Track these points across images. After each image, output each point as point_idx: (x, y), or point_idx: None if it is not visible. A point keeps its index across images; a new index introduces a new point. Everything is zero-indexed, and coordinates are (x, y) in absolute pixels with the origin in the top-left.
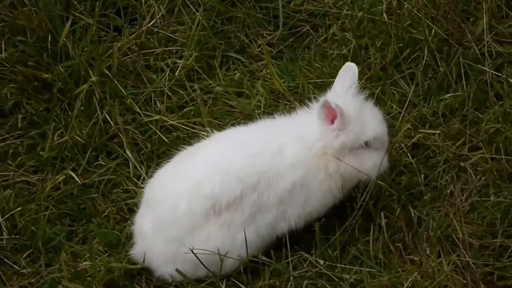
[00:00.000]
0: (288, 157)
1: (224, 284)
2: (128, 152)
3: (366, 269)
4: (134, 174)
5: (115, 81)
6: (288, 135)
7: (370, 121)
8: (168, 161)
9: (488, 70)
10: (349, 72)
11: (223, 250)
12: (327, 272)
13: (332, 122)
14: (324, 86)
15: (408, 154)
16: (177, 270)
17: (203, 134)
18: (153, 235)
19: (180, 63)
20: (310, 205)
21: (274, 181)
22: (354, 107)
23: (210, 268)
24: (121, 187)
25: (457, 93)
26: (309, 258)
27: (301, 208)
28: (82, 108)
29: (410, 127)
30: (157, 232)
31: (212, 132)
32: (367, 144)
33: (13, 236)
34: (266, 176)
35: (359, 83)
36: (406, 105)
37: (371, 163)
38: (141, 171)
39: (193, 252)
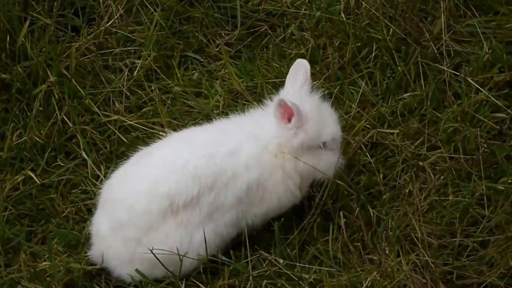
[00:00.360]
0: (244, 157)
1: (183, 284)
2: (84, 154)
3: (326, 269)
4: (92, 175)
5: (74, 82)
6: (243, 135)
7: (328, 121)
8: (125, 162)
9: (446, 69)
10: (301, 69)
11: (181, 250)
12: (287, 272)
13: (289, 120)
14: (282, 85)
15: (367, 153)
16: (136, 270)
17: (161, 134)
18: (110, 235)
19: (138, 63)
20: (266, 205)
21: (231, 181)
22: (311, 105)
23: (168, 268)
24: (80, 188)
25: (415, 93)
26: (268, 258)
27: (258, 208)
28: (41, 108)
29: (368, 126)
30: (114, 233)
31: (169, 132)
32: (324, 145)
33: None
34: (223, 176)
35: (317, 83)
36: (364, 104)
37: (327, 162)
38: (99, 172)
39: (152, 252)
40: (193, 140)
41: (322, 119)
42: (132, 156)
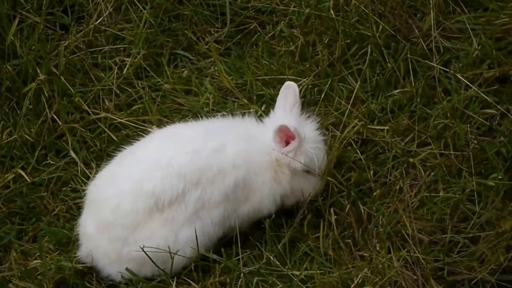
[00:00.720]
0: (231, 155)
1: (174, 282)
2: (72, 153)
3: (317, 266)
4: (82, 173)
5: (63, 80)
6: (230, 133)
7: (319, 150)
8: (109, 162)
9: (436, 65)
10: (290, 92)
11: (166, 247)
12: (278, 269)
13: (286, 143)
14: (272, 82)
15: (357, 150)
16: (126, 269)
17: (151, 132)
18: (97, 235)
19: (128, 61)
20: (249, 205)
21: (217, 177)
22: (310, 129)
23: (155, 266)
24: (70, 186)
25: (405, 89)
26: (259, 255)
27: (242, 207)
28: (31, 106)
29: (358, 123)
30: (101, 232)
31: (153, 129)
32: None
33: None
34: (208, 172)
35: (307, 79)
36: (354, 101)
37: (312, 186)
38: (86, 171)
39: (142, 250)
40: (178, 137)
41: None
42: (116, 155)
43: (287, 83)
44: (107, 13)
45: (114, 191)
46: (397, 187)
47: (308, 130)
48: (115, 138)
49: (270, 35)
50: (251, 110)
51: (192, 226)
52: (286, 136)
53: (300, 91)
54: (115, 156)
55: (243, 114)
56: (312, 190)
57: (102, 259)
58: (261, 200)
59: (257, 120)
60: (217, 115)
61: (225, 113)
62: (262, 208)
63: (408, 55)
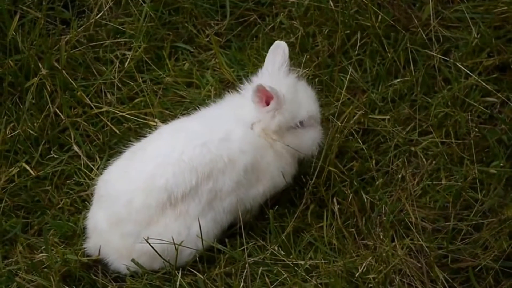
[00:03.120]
0: (237, 142)
1: (180, 273)
2: (75, 147)
3: (321, 255)
4: (86, 166)
5: (65, 74)
6: (232, 119)
7: (304, 100)
8: (119, 155)
9: (436, 54)
10: (279, 51)
11: (179, 241)
12: (282, 258)
13: (267, 104)
14: None
15: (359, 140)
16: (133, 260)
17: (153, 125)
18: (108, 231)
19: (129, 54)
20: (261, 185)
21: (228, 166)
22: (288, 87)
23: (167, 260)
24: (73, 179)
25: (405, 78)
26: (264, 245)
27: (255, 189)
28: (33, 101)
29: (359, 112)
30: (112, 228)
31: (159, 123)
32: (302, 124)
33: None
34: (219, 163)
35: (308, 70)
36: (355, 91)
37: (309, 139)
38: (90, 164)
39: (149, 244)
40: (185, 131)
41: (296, 99)
42: (126, 147)
43: (277, 42)
44: (107, 7)
45: (126, 186)
46: (400, 176)
47: (292, 87)
48: (117, 132)
49: (270, 27)
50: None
51: (205, 217)
52: (265, 96)
53: None
54: (119, 149)
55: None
56: (312, 143)
57: (112, 254)
58: (272, 178)
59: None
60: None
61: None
62: (277, 185)
63: (408, 45)
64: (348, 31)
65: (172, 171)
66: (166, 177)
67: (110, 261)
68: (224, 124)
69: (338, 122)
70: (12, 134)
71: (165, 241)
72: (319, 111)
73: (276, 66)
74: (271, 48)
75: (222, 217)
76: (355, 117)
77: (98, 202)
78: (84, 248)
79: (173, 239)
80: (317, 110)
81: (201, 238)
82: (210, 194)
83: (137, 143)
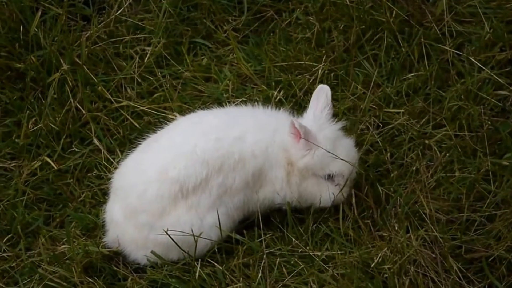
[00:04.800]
0: (250, 144)
1: (199, 264)
2: (96, 140)
3: (337, 246)
4: (106, 160)
5: (86, 69)
6: (252, 123)
7: (340, 155)
8: (134, 149)
9: (449, 49)
10: (322, 94)
11: (192, 232)
12: (299, 250)
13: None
14: (289, 68)
15: (374, 133)
16: (152, 252)
17: (173, 118)
18: (124, 222)
19: (148, 50)
20: (262, 192)
21: (238, 164)
22: (326, 134)
23: (181, 251)
24: (94, 172)
25: (419, 73)
26: (281, 237)
27: (261, 193)
28: (55, 96)
29: (374, 106)
30: (127, 219)
31: (177, 118)
32: (330, 177)
33: None
34: (230, 159)
35: (323, 65)
36: (370, 85)
37: (327, 195)
38: (110, 158)
39: (168, 235)
40: (202, 125)
41: (334, 150)
42: (141, 143)
43: (321, 85)
44: (127, 3)
45: (139, 178)
46: (414, 168)
47: (331, 136)
48: (137, 126)
49: (286, 22)
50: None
51: (216, 210)
52: (299, 134)
53: (316, 77)
54: (139, 143)
55: (276, 107)
56: (328, 199)
57: (129, 244)
58: (273, 192)
59: (290, 115)
60: (237, 101)
61: (245, 99)
62: (275, 200)
63: (422, 40)
64: (363, 26)
65: (184, 163)
66: (178, 168)
67: (127, 252)
68: (244, 125)
69: (354, 116)
70: (35, 128)
71: (183, 232)
72: (354, 175)
73: (318, 109)
74: (315, 91)
75: (233, 212)
76: (377, 118)
77: (114, 194)
78: (104, 240)
79: (192, 231)
80: (349, 171)
81: (219, 227)
82: (220, 189)
83: (152, 135)
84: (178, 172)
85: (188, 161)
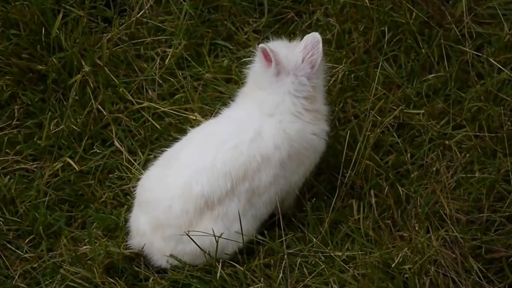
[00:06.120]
0: (269, 138)
1: (220, 265)
2: (116, 142)
3: (358, 246)
4: (127, 161)
5: (107, 71)
6: (258, 116)
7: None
8: (160, 150)
9: (469, 50)
10: (309, 38)
11: (220, 242)
12: (320, 250)
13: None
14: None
15: (394, 134)
16: (171, 255)
17: (194, 119)
18: (150, 234)
19: (169, 51)
20: (303, 167)
21: (262, 165)
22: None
23: (208, 258)
24: (116, 173)
25: (439, 74)
26: (302, 237)
27: (296, 174)
28: (77, 97)
29: (394, 107)
30: (154, 231)
31: (198, 118)
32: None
33: (14, 219)
34: (253, 163)
35: (344, 66)
36: (390, 86)
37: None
38: (131, 159)
39: (197, 245)
40: (215, 135)
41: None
42: (166, 142)
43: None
44: (148, 5)
45: (163, 194)
46: (434, 168)
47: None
48: (158, 127)
49: (307, 24)
50: None
51: (245, 216)
52: (265, 56)
53: (337, 78)
54: (161, 144)
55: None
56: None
57: (156, 254)
58: (314, 150)
59: None
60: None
61: None
62: (317, 153)
63: (442, 41)
64: (383, 28)
65: (207, 177)
66: (201, 184)
67: (154, 260)
68: (254, 122)
69: (375, 117)
70: (56, 129)
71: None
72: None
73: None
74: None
75: (263, 211)
76: (398, 118)
77: (139, 207)
78: (127, 243)
79: (216, 238)
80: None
81: (241, 234)
82: (248, 193)
83: (169, 150)
84: (202, 188)
85: (209, 175)
